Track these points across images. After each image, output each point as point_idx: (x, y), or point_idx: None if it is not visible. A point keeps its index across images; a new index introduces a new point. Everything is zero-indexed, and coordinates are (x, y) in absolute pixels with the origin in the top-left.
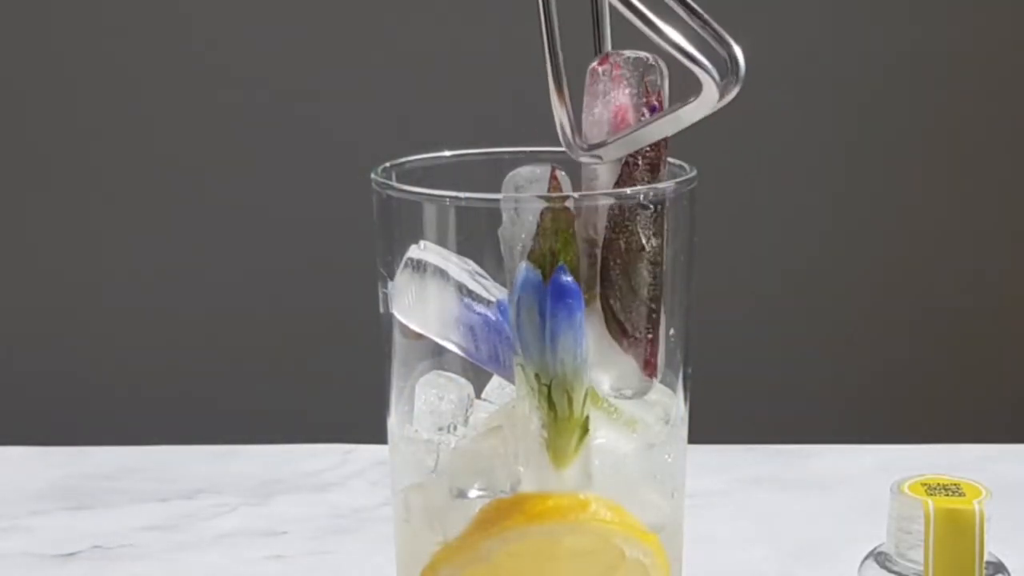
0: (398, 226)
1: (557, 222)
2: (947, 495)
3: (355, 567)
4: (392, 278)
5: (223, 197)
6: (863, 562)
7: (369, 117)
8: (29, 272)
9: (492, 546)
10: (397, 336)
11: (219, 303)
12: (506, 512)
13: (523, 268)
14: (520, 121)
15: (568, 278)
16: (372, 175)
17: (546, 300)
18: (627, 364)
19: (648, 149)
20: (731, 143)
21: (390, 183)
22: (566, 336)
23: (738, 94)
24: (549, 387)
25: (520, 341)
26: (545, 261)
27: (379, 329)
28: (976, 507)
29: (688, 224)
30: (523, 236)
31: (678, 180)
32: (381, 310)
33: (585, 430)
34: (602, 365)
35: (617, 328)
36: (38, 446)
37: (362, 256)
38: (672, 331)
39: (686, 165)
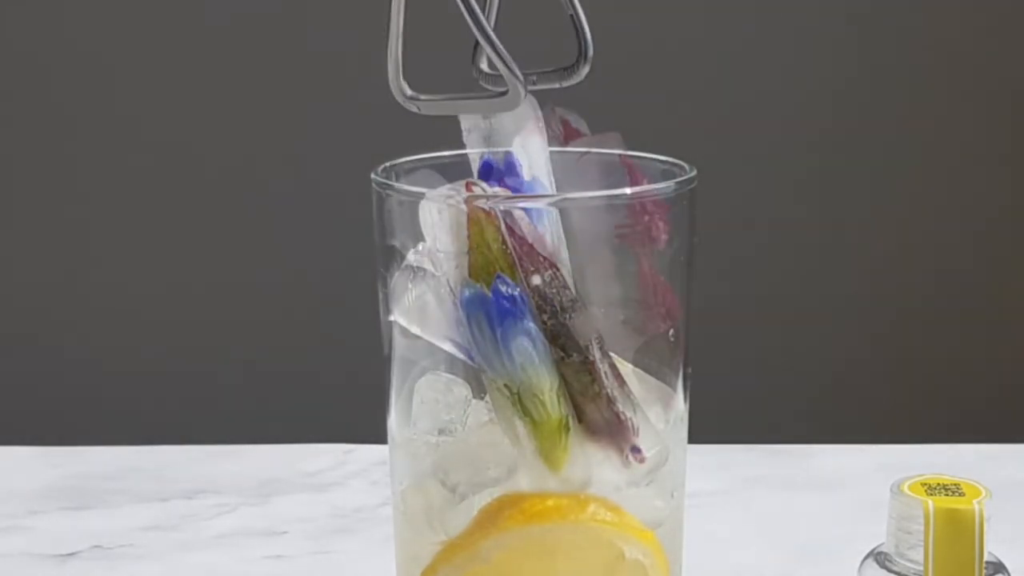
0: (398, 226)
1: (484, 232)
2: (947, 495)
3: (355, 567)
4: (392, 278)
5: (223, 197)
6: (863, 562)
7: (369, 117)
8: (29, 272)
9: (492, 546)
10: (397, 336)
11: (219, 303)
12: (506, 512)
13: (464, 287)
14: None
15: (507, 287)
16: (372, 175)
17: (492, 312)
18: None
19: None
20: (731, 143)
21: (390, 183)
22: (518, 342)
23: (738, 94)
24: (519, 395)
25: (480, 356)
26: (482, 275)
27: (379, 329)
28: (976, 507)
29: (688, 224)
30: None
31: (678, 180)
32: (381, 310)
33: (567, 429)
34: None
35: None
36: (38, 446)
37: (362, 256)
38: (672, 331)
39: (686, 165)
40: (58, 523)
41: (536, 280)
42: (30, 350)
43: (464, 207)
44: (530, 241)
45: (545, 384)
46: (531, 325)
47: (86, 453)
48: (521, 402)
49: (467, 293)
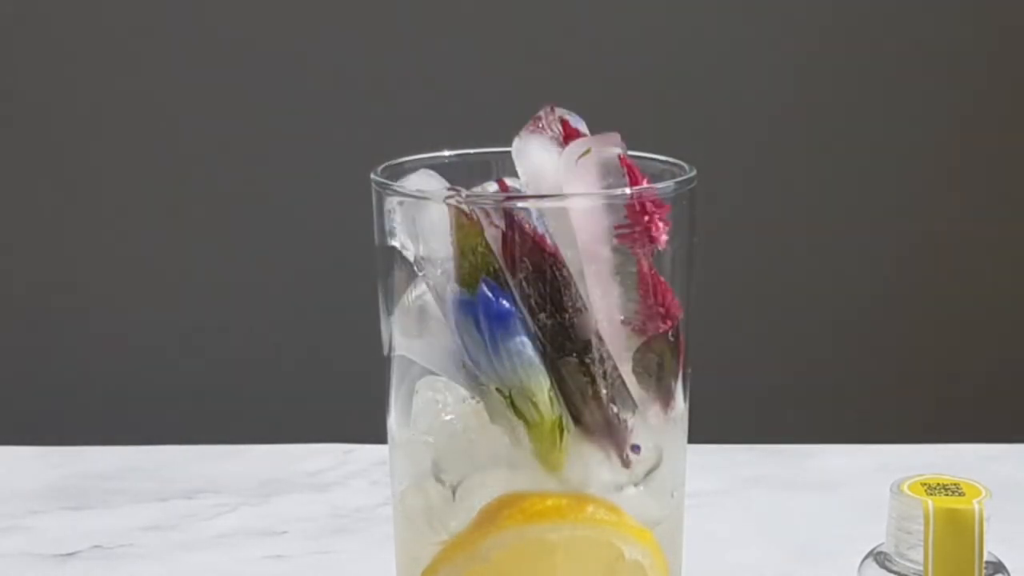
0: (398, 226)
1: (468, 238)
2: (947, 495)
3: (355, 567)
4: (392, 278)
5: (223, 197)
6: (863, 562)
7: (369, 117)
8: (28, 271)
9: (492, 546)
10: (397, 336)
11: (219, 303)
12: (506, 512)
13: (454, 290)
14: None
15: (493, 292)
16: (372, 175)
17: (480, 316)
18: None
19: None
20: (731, 143)
21: (390, 183)
22: (507, 345)
23: (738, 94)
24: (511, 397)
25: (472, 360)
26: (468, 280)
27: (379, 329)
28: (976, 507)
29: (688, 224)
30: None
31: (678, 180)
32: (381, 310)
33: (562, 429)
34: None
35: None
36: (38, 446)
37: (362, 256)
38: (672, 331)
39: (686, 165)
40: (58, 523)
41: (535, 281)
42: (30, 349)
43: (464, 207)
44: (530, 242)
45: (537, 387)
46: (521, 328)
47: (86, 453)
48: (514, 405)
49: (456, 299)
